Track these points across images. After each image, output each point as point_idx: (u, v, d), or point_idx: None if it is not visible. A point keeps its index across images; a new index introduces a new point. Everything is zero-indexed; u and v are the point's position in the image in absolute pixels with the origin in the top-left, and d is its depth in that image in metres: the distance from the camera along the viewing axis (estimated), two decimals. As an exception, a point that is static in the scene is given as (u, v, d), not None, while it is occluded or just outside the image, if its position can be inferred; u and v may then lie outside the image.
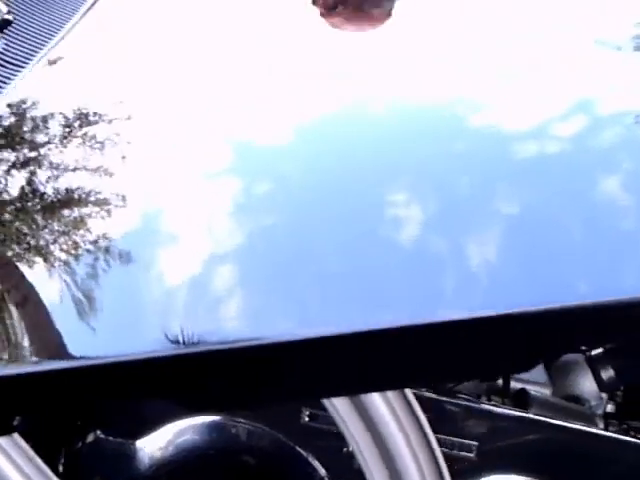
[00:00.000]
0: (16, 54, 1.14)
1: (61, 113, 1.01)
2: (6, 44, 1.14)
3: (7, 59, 1.12)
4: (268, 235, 0.82)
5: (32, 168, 0.92)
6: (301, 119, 1.00)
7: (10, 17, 1.12)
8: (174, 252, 0.80)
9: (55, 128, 0.99)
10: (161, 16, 1.28)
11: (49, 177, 0.91)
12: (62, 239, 0.82)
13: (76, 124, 0.99)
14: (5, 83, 1.07)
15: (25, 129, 1.01)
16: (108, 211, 0.85)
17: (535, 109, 0.98)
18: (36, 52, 1.16)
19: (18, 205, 0.87)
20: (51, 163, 0.94)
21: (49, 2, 1.29)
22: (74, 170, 0.92)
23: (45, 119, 1.01)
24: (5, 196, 0.88)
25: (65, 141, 0.97)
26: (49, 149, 0.97)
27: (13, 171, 0.92)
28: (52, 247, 0.81)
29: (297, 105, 1.03)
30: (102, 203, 0.85)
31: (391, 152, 0.92)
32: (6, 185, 0.89)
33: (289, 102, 1.03)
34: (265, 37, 1.17)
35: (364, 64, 1.10)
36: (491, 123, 0.96)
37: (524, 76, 1.06)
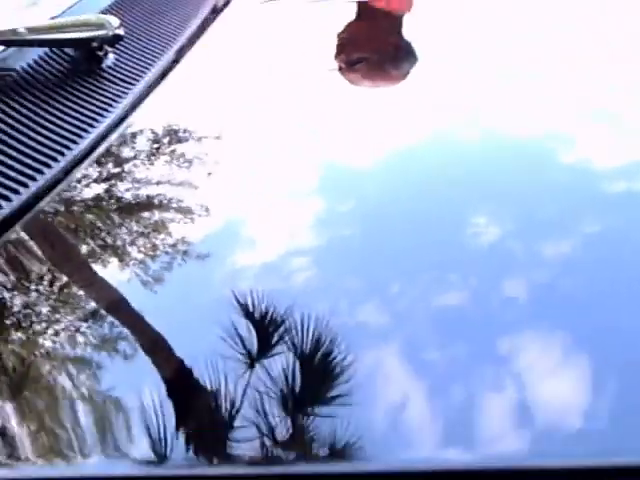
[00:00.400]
0: (126, 70, 1.14)
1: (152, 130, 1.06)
2: (117, 59, 1.14)
3: (117, 75, 1.12)
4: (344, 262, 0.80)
5: (115, 181, 0.95)
6: (388, 143, 1.01)
7: (121, 32, 1.12)
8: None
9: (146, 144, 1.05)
10: (260, 40, 1.34)
11: (129, 188, 0.94)
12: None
13: (165, 140, 1.04)
14: (115, 101, 1.06)
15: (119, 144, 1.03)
16: (191, 219, 0.88)
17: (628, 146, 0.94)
18: (146, 69, 1.16)
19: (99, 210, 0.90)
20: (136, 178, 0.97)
21: (159, 16, 1.30)
22: (158, 183, 0.95)
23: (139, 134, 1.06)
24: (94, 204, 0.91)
25: (153, 158, 1.01)
26: (135, 165, 1.00)
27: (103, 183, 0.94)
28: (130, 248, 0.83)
29: (385, 128, 1.04)
30: (185, 211, 0.89)
31: (476, 182, 0.91)
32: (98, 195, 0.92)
33: (377, 125, 1.04)
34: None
35: (452, 93, 1.11)
36: (578, 159, 0.93)
37: (613, 110, 1.03)
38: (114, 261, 0.82)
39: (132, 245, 0.84)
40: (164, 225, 0.87)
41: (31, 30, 0.99)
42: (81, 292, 0.79)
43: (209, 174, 1.00)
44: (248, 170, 0.98)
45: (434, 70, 1.18)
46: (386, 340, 0.68)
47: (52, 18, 1.07)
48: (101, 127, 1.01)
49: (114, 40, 1.12)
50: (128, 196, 0.92)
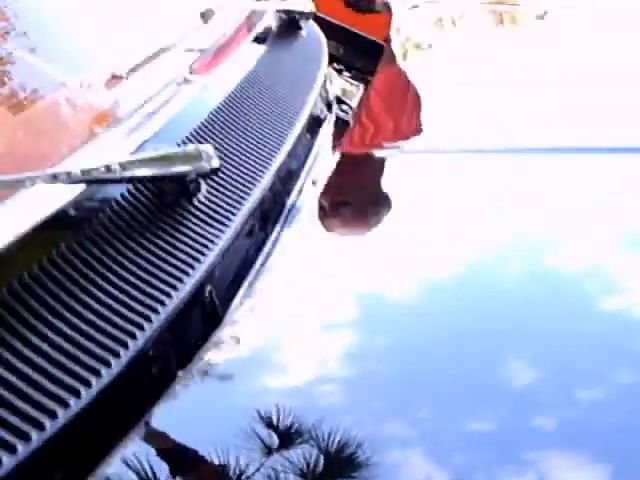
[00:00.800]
0: (219, 205, 1.04)
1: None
2: (209, 192, 1.04)
3: (210, 211, 1.02)
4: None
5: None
6: (421, 276, 1.04)
7: (218, 163, 1.01)
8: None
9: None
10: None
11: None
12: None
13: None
14: (211, 240, 0.97)
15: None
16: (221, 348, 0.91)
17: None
18: (240, 204, 1.06)
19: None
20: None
21: (255, 146, 1.20)
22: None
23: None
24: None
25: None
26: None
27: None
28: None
29: (417, 260, 1.07)
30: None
31: (513, 323, 0.92)
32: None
33: (409, 256, 1.08)
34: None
35: (487, 228, 1.15)
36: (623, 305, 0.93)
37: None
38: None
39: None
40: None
41: (123, 166, 0.89)
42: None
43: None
44: (283, 298, 1.01)
45: (465, 206, 1.19)
46: (411, 462, 0.71)
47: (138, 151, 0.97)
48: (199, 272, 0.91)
49: (211, 173, 1.02)
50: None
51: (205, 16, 1.31)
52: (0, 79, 1.02)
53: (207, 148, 1.01)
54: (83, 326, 0.77)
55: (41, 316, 0.75)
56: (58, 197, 0.86)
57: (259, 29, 1.49)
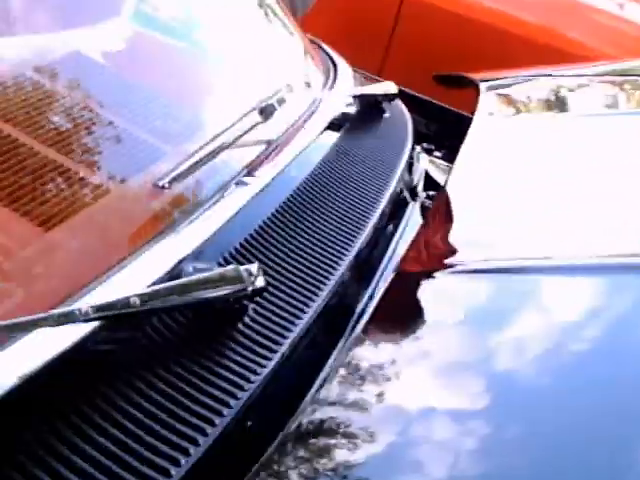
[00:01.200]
0: (268, 327, 0.95)
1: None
2: (255, 311, 0.95)
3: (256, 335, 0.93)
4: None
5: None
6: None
7: (263, 282, 0.92)
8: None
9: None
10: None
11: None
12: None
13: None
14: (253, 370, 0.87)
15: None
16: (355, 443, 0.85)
17: None
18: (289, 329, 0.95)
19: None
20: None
21: (315, 254, 1.10)
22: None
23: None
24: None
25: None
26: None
27: None
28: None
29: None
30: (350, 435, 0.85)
31: None
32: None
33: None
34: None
35: None
36: None
37: None
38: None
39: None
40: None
41: (143, 298, 0.80)
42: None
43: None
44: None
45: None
46: None
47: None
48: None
49: (254, 295, 0.92)
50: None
51: (265, 112, 1.21)
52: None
53: (251, 267, 0.91)
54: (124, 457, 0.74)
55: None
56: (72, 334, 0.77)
57: (329, 117, 1.39)
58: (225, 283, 0.88)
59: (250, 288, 0.89)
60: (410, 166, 1.60)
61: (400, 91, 1.71)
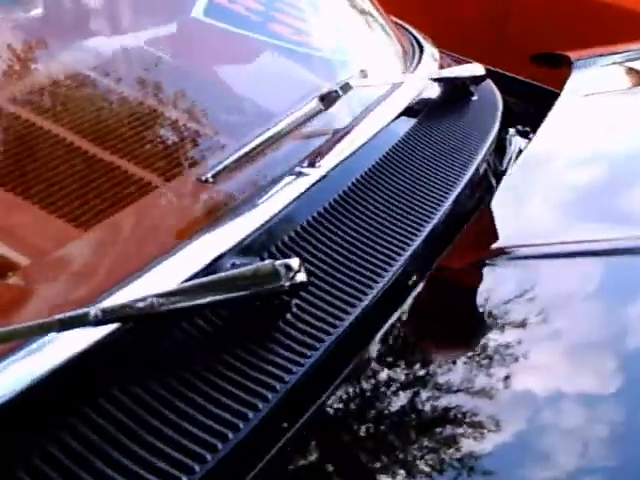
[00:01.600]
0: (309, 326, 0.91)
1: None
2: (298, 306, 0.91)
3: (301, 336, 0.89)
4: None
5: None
6: None
7: (304, 277, 0.88)
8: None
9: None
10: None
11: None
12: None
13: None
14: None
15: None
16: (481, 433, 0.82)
17: None
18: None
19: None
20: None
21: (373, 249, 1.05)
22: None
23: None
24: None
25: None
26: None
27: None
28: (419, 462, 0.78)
29: None
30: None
31: None
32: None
33: None
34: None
35: None
36: None
37: None
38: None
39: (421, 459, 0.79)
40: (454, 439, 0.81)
41: (163, 297, 0.78)
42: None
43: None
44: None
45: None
46: None
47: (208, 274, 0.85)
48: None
49: (292, 291, 0.88)
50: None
51: (326, 99, 1.17)
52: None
53: (291, 262, 0.87)
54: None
55: None
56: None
57: (403, 104, 1.33)
58: (259, 279, 0.84)
59: (287, 284, 0.85)
60: (500, 150, 1.53)
61: (495, 72, 1.64)
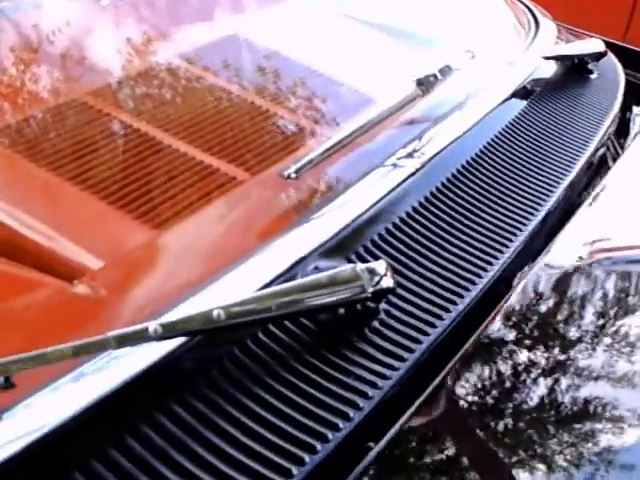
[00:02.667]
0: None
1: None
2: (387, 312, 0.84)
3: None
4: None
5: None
6: None
7: (390, 282, 0.82)
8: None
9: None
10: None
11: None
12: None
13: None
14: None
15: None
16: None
17: None
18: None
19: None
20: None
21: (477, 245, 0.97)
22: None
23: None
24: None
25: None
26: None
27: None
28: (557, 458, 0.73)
29: None
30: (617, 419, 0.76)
31: None
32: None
33: None
34: None
35: None
36: None
37: None
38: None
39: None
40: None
41: (229, 313, 0.72)
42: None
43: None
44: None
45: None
46: None
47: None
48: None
49: (377, 297, 0.82)
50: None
51: (425, 84, 1.09)
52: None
53: (376, 265, 0.80)
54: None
55: None
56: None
57: (512, 86, 1.24)
58: (339, 286, 0.78)
59: (371, 290, 0.79)
60: (621, 131, 1.42)
61: (621, 47, 1.53)
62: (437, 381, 0.79)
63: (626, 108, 1.47)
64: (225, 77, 1.05)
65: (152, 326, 0.68)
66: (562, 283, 0.98)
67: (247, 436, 0.70)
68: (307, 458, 0.69)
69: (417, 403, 0.77)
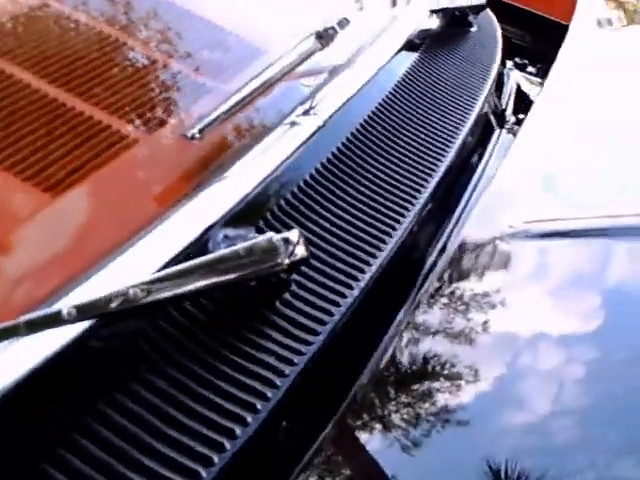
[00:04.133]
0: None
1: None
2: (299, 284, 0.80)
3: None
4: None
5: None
6: None
7: (305, 252, 0.79)
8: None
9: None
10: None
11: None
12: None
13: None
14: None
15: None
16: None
17: None
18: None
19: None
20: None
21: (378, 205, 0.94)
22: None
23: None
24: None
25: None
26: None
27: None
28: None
29: None
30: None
31: None
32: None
33: None
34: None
35: None
36: None
37: None
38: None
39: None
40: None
41: (145, 290, 0.67)
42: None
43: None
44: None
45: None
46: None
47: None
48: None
49: (293, 268, 0.78)
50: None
51: (323, 37, 1.05)
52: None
53: (289, 235, 0.77)
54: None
55: None
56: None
57: (401, 39, 1.22)
58: (255, 258, 0.73)
59: (287, 261, 0.75)
60: (498, 87, 1.42)
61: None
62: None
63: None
64: (118, 25, 0.98)
65: (65, 309, 0.62)
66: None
67: (162, 421, 0.66)
68: (227, 444, 0.65)
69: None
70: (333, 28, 1.06)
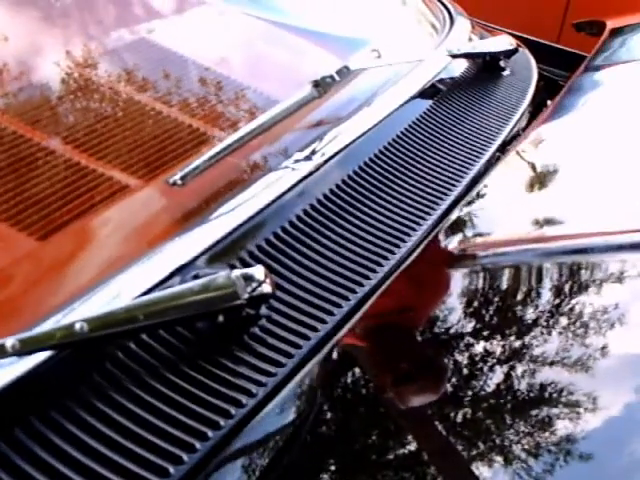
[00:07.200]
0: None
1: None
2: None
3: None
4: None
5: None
6: None
7: (269, 289, 0.82)
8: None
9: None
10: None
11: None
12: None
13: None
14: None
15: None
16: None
17: None
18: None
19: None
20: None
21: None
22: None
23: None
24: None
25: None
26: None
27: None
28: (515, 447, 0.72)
29: None
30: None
31: None
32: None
33: None
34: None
35: None
36: None
37: None
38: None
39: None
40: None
41: (92, 324, 0.72)
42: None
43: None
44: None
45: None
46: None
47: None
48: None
49: (254, 304, 0.82)
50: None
51: (322, 85, 1.09)
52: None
53: (254, 271, 0.81)
54: None
55: None
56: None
57: (417, 86, 1.25)
58: (212, 294, 0.77)
59: (246, 296, 0.79)
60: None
61: (533, 42, 1.54)
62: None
63: (542, 103, 1.49)
64: (109, 78, 1.05)
65: (9, 341, 0.67)
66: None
67: (116, 453, 0.70)
68: (172, 470, 0.68)
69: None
70: (331, 77, 1.10)
